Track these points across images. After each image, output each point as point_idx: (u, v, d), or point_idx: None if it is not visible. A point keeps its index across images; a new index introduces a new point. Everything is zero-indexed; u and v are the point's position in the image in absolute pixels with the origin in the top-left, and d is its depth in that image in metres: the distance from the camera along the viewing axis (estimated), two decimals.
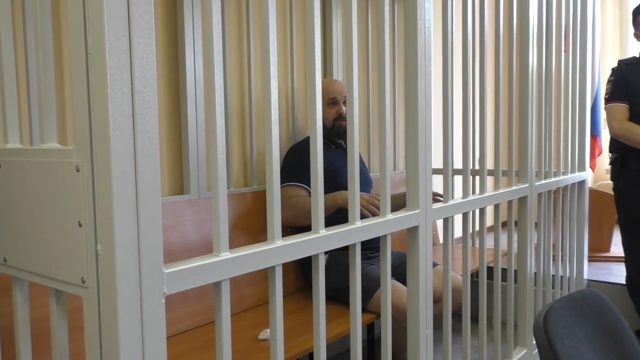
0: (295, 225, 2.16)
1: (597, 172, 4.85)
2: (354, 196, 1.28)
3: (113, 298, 0.77)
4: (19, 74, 1.55)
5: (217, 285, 0.96)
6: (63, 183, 0.84)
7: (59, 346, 0.95)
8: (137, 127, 0.78)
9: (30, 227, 0.93)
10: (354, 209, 1.28)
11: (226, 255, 0.95)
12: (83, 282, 0.82)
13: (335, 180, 2.19)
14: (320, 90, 1.18)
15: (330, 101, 2.30)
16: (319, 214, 1.18)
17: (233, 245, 1.04)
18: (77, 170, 0.81)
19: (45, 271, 0.90)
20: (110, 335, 0.79)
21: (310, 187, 2.15)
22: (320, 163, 1.17)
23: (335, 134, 2.32)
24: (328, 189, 2.18)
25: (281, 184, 2.19)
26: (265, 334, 1.78)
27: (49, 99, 0.96)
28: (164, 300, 0.83)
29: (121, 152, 0.77)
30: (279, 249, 1.05)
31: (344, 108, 2.30)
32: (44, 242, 0.90)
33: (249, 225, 2.18)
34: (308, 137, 2.31)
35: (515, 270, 2.25)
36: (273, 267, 1.06)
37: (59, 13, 1.68)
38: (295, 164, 2.21)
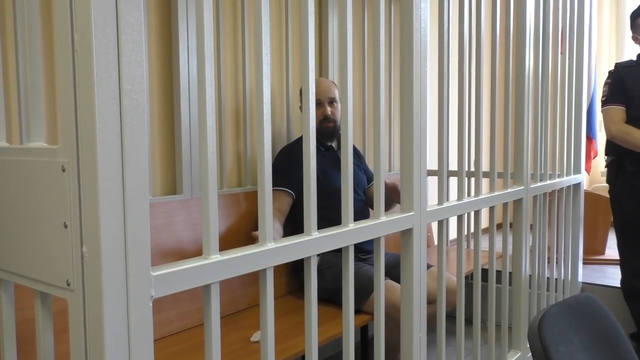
0: None
1: (593, 175, 4.86)
2: (347, 197, 1.26)
3: (99, 301, 0.76)
4: (9, 72, 1.53)
5: (206, 288, 0.94)
6: (48, 183, 0.82)
7: (44, 349, 0.94)
8: (125, 126, 0.77)
9: (15, 227, 0.91)
10: (347, 210, 1.27)
11: (216, 257, 0.93)
12: (68, 284, 0.80)
13: (328, 184, 2.17)
14: (314, 92, 1.16)
15: (316, 101, 2.26)
16: (311, 216, 1.16)
17: (226, 246, 1.02)
18: (63, 170, 0.79)
19: (30, 273, 0.88)
20: (95, 339, 0.77)
21: (295, 191, 2.14)
22: (313, 165, 1.16)
23: (323, 135, 2.28)
24: (319, 194, 2.14)
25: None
26: (257, 336, 1.76)
27: (35, 97, 0.94)
28: (151, 304, 0.82)
29: (108, 152, 0.75)
30: (270, 251, 1.04)
31: (329, 109, 2.25)
32: (29, 244, 0.88)
33: (242, 226, 2.16)
34: (299, 138, 2.28)
35: (510, 273, 2.25)
36: (264, 270, 1.04)
37: (50, 9, 1.65)
38: (283, 167, 2.18)
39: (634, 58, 2.64)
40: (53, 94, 1.66)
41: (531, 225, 2.32)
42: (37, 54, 0.95)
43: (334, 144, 2.38)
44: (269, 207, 1.05)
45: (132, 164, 0.78)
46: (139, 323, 0.80)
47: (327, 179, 2.21)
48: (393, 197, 2.01)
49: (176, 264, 0.88)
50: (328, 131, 2.27)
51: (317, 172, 2.20)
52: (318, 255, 1.18)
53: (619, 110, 2.55)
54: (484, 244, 2.69)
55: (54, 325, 0.97)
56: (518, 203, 2.18)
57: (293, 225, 2.20)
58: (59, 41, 0.77)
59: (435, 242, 3.17)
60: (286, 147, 2.30)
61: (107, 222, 0.75)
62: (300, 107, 2.30)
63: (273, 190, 2.14)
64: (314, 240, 1.15)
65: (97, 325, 0.76)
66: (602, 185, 4.29)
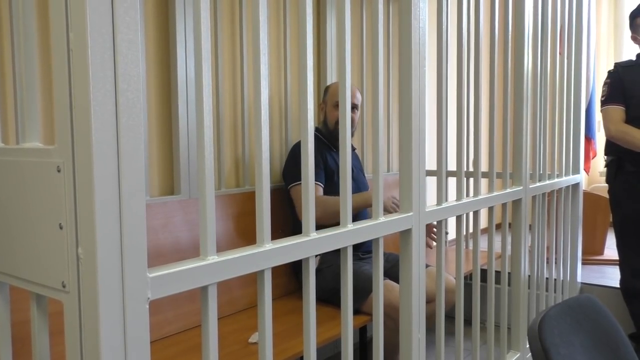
0: (320, 223, 2.14)
1: (591, 175, 4.85)
2: (345, 197, 1.26)
3: (94, 303, 0.75)
4: (5, 71, 1.52)
5: (203, 289, 0.93)
6: (44, 184, 0.82)
7: (39, 351, 0.93)
8: (121, 126, 0.76)
9: (10, 229, 0.90)
10: (346, 211, 1.26)
11: (213, 259, 0.92)
12: (64, 286, 0.79)
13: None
14: (312, 92, 1.15)
15: (337, 104, 2.27)
16: (309, 216, 1.15)
17: (225, 247, 1.02)
18: (58, 171, 0.78)
19: (26, 275, 0.87)
20: (91, 342, 0.76)
21: (321, 182, 2.16)
22: (311, 163, 1.15)
23: (337, 137, 2.29)
24: (336, 191, 2.14)
25: (294, 182, 2.17)
26: (255, 337, 1.75)
27: (31, 97, 0.93)
28: (147, 306, 0.81)
29: (104, 152, 0.74)
30: (268, 252, 1.03)
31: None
32: (24, 245, 0.87)
33: (241, 227, 2.15)
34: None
35: (509, 273, 2.24)
36: (262, 271, 1.04)
37: (46, 8, 1.64)
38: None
39: (633, 58, 2.64)
40: (49, 93, 1.65)
41: (530, 226, 2.32)
42: (32, 54, 0.94)
43: None
44: (266, 208, 1.04)
45: (128, 164, 0.77)
46: (135, 325, 0.79)
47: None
48: None
49: (173, 265, 0.87)
50: None
51: (333, 169, 2.22)
52: (317, 255, 1.18)
53: (618, 110, 2.54)
54: (483, 244, 2.68)
55: (50, 327, 0.96)
56: (517, 203, 2.17)
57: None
58: (55, 40, 0.76)
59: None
60: (298, 146, 2.30)
61: (103, 223, 0.74)
62: (321, 107, 2.34)
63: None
64: (312, 241, 1.14)
65: (92, 327, 0.75)
66: (601, 186, 4.28)
